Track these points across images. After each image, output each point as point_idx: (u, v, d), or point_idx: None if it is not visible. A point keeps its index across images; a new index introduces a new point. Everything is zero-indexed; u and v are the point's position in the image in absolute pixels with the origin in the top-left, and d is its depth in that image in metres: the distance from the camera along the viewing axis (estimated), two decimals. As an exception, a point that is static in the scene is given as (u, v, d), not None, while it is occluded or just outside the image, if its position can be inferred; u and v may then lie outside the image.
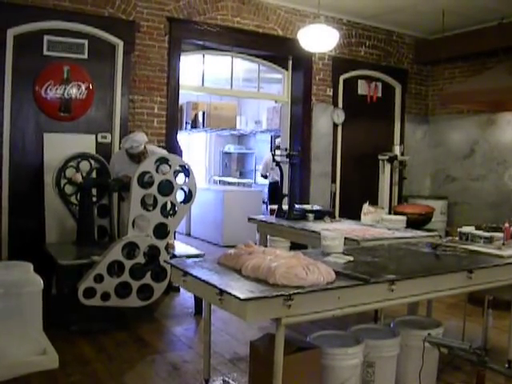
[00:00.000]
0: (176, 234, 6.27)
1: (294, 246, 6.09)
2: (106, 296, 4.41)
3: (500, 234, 3.93)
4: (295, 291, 2.47)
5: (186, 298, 5.60)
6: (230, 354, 4.13)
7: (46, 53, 5.57)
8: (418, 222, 5.96)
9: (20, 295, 2.22)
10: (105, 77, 5.90)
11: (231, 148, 12.97)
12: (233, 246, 3.26)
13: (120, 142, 5.88)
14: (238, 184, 12.01)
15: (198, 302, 5.04)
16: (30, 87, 5.51)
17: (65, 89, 5.63)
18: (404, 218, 5.19)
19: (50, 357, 2.28)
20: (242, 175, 13.00)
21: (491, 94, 6.55)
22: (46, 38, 5.55)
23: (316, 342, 3.11)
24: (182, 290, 5.72)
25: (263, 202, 9.77)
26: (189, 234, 10.14)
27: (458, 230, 4.15)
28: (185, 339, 4.48)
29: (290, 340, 2.75)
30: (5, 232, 5.40)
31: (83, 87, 5.73)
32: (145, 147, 5.25)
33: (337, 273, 2.76)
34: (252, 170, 12.64)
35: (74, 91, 5.68)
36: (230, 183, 12.21)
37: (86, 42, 5.76)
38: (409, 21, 7.65)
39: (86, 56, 5.77)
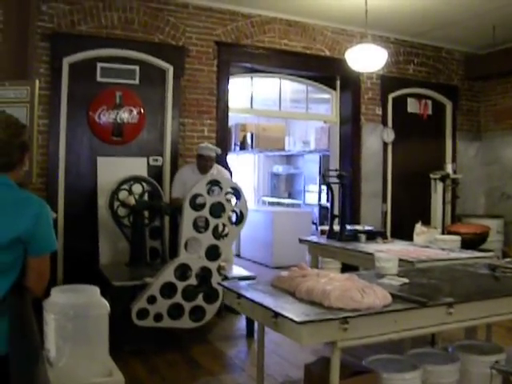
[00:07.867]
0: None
1: (346, 267, 6.01)
2: (158, 317, 4.45)
3: (562, 254, 3.78)
4: (351, 314, 2.43)
5: (238, 319, 5.58)
6: (283, 376, 4.08)
7: (99, 79, 5.76)
8: (472, 241, 5.79)
9: (88, 318, 2.27)
10: (155, 101, 6.03)
11: (279, 169, 12.96)
12: (283, 268, 3.26)
13: (171, 165, 6.00)
14: (287, 205, 11.97)
15: (249, 323, 5.03)
16: (84, 113, 5.69)
17: (117, 113, 5.78)
18: (458, 237, 5.05)
19: (116, 379, 2.34)
20: (290, 196, 12.96)
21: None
22: (99, 65, 5.74)
23: (371, 366, 3.03)
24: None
25: (313, 223, 9.70)
26: (238, 255, 10.13)
27: (517, 250, 4.01)
28: (238, 361, 4.47)
29: (345, 364, 2.69)
30: (60, 253, 5.52)
31: (135, 112, 5.86)
32: (214, 159, 5.54)
33: (393, 295, 2.70)
34: (301, 190, 12.58)
35: (126, 116, 5.82)
36: (278, 204, 12.18)
37: (137, 67, 5.91)
38: (458, 36, 7.53)
39: (137, 81, 5.92)
